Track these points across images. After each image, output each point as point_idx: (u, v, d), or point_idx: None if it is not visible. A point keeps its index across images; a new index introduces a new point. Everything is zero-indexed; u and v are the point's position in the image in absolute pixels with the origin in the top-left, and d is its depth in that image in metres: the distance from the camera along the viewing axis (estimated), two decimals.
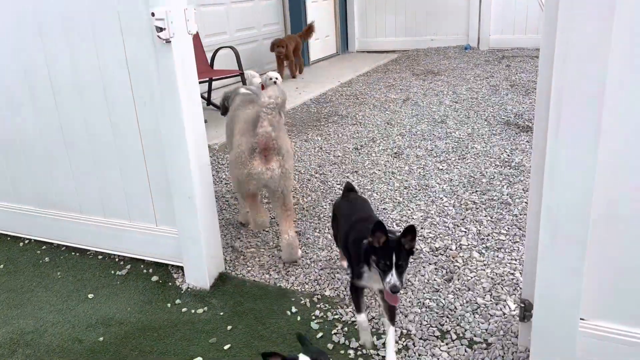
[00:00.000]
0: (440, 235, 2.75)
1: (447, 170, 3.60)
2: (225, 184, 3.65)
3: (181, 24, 2.14)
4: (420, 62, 7.78)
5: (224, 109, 2.92)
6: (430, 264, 2.51)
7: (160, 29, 2.08)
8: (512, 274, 2.38)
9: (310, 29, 7.26)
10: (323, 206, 3.20)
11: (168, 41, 2.10)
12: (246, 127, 2.43)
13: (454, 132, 4.42)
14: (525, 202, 3.04)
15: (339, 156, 4.04)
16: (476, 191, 3.25)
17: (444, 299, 2.24)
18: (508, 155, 3.79)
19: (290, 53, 6.94)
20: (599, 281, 1.61)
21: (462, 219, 2.90)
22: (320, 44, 8.62)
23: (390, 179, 3.54)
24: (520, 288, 2.26)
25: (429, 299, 2.25)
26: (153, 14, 2.05)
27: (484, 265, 2.47)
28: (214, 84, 5.58)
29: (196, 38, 5.26)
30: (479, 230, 2.77)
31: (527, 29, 8.15)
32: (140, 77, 2.29)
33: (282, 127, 2.54)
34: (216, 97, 5.70)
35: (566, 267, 1.60)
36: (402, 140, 4.30)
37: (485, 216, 2.92)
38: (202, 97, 5.60)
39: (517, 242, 2.64)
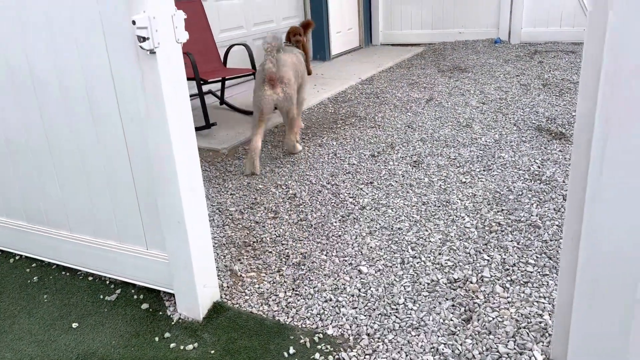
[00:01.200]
0: (460, 264, 2.47)
1: (470, 184, 3.30)
2: (231, 194, 3.43)
3: (168, 31, 1.91)
4: (447, 57, 7.40)
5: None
6: (447, 299, 2.24)
7: (143, 39, 1.85)
8: (540, 315, 2.10)
9: (308, 24, 6.40)
10: (332, 223, 2.95)
11: (152, 52, 1.87)
12: (259, 69, 3.67)
13: (480, 137, 4.10)
14: (557, 225, 2.73)
15: (353, 164, 3.77)
16: (502, 210, 2.95)
17: (461, 345, 1.98)
18: (538, 167, 3.46)
19: (307, 44, 6.57)
20: None
21: (485, 244, 2.62)
22: (342, 37, 8.30)
23: (407, 192, 3.26)
24: (549, 334, 1.99)
25: (444, 344, 1.99)
26: (134, 22, 1.82)
27: (508, 303, 2.19)
28: (229, 81, 5.36)
29: (209, 35, 5.03)
30: (504, 258, 2.49)
31: (562, 21, 7.67)
32: (127, 91, 2.07)
33: (286, 63, 3.66)
34: (229, 96, 5.48)
35: (606, 344, 1.32)
36: (422, 146, 4.01)
37: (511, 241, 2.63)
38: (215, 95, 5.38)
39: (547, 274, 2.35)
